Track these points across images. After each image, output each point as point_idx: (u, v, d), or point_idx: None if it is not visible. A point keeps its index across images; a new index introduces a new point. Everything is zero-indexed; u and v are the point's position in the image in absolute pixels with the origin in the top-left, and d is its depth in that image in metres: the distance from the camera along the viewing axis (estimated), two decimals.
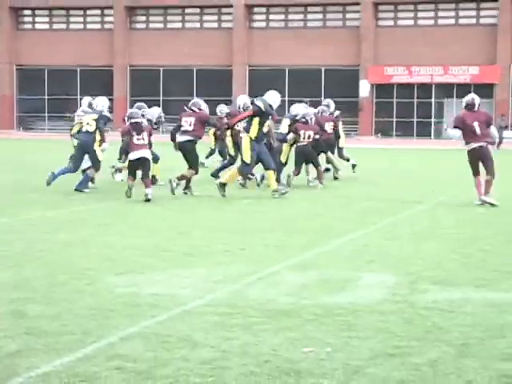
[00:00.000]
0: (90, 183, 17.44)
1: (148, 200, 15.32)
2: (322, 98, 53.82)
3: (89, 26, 60.15)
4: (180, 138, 16.99)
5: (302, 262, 9.19)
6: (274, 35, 56.01)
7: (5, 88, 60.19)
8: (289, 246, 10.33)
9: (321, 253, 9.85)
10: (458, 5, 53.51)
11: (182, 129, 17.06)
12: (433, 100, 53.29)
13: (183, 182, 16.67)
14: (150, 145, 16.60)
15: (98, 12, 59.99)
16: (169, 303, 7.15)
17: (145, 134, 16.25)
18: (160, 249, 10.01)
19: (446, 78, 52.25)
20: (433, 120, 53.85)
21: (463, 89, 52.63)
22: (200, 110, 17.44)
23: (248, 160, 16.40)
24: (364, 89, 53.60)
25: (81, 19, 60.22)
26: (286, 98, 55.78)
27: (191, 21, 58.41)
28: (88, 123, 17.41)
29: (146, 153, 16.18)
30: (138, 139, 16.17)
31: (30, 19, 61.47)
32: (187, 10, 58.22)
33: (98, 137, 17.43)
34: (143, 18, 59.29)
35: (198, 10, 58.06)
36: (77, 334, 6.13)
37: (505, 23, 51.90)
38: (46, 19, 61.08)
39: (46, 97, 60.01)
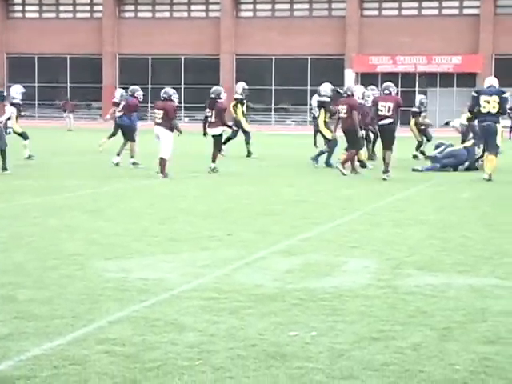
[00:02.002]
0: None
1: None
2: (308, 87, 54.08)
3: (78, 15, 59.94)
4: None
5: (287, 248, 9.20)
6: (260, 25, 55.95)
7: None
8: (275, 231, 10.33)
9: (306, 238, 9.86)
10: None
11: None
12: (416, 89, 53.36)
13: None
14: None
15: (87, 1, 59.77)
16: (157, 288, 7.15)
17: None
18: (148, 234, 10.00)
19: (430, 67, 52.35)
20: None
21: (446, 78, 52.85)
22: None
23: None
24: (349, 78, 53.59)
25: (70, 8, 59.99)
26: (273, 87, 55.86)
27: (179, 10, 58.26)
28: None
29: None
30: (209, 116, 18.71)
31: (20, 8, 61.19)
32: (175, 0, 58.06)
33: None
34: (132, 7, 59.10)
35: (185, 0, 57.90)
36: (67, 318, 6.12)
37: (487, 13, 52.00)
38: (36, 8, 60.82)
39: (36, 84, 59.79)
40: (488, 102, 17.36)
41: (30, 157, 21.71)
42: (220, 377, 4.93)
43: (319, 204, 13.23)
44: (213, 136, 18.75)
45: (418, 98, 24.61)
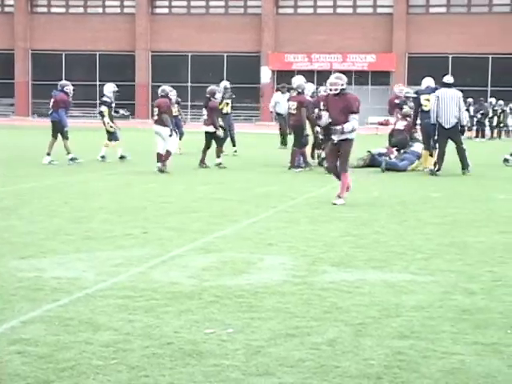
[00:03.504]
0: None
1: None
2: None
3: None
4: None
5: (203, 245, 9.19)
6: (176, 21, 55.76)
7: None
8: (191, 229, 10.32)
9: (222, 236, 9.87)
10: None
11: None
12: None
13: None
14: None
15: None
16: (71, 287, 7.07)
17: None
18: (62, 232, 9.87)
19: (345, 65, 52.91)
20: None
21: (361, 76, 53.50)
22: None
23: None
24: (265, 75, 53.84)
25: None
26: (189, 84, 55.70)
27: (94, 6, 57.65)
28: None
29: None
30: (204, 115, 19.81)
31: None
32: None
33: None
34: (45, 2, 58.24)
35: None
36: None
37: (400, 13, 52.86)
38: None
39: None
40: (428, 101, 18.50)
41: (122, 157, 20.93)
42: (135, 376, 4.90)
43: (236, 201, 13.26)
44: (206, 133, 19.52)
45: None
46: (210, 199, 13.50)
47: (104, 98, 21.14)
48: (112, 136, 20.95)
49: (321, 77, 53.32)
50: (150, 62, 56.45)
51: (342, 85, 13.06)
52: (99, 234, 9.87)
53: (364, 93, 53.76)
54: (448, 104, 17.89)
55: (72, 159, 19.79)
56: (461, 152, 18.19)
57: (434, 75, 20.46)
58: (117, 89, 21.85)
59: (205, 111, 19.67)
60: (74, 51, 56.76)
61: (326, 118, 13.20)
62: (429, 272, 7.90)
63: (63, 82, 21.02)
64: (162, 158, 18.03)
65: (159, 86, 19.30)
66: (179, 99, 25.13)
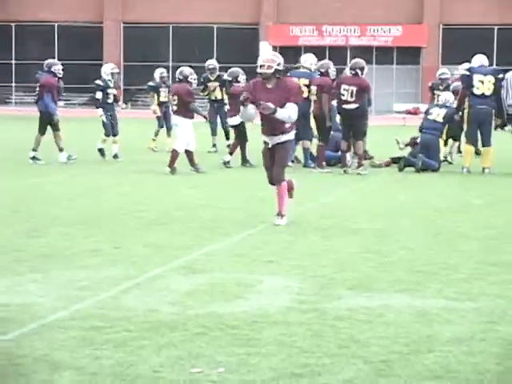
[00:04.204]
0: None
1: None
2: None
3: None
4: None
5: (188, 264, 9.20)
6: None
7: None
8: (173, 244, 10.33)
9: (211, 252, 9.88)
10: None
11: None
12: (348, 66, 53.90)
13: None
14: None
15: None
16: (23, 316, 7.07)
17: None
18: (12, 248, 9.88)
19: (364, 39, 52.94)
20: None
21: (384, 53, 53.52)
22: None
23: None
24: (265, 52, 53.84)
25: None
26: (170, 63, 55.72)
27: None
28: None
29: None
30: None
31: None
32: None
33: None
34: None
35: None
36: None
37: None
38: None
39: None
40: (482, 83, 18.52)
41: (101, 150, 21.15)
42: None
43: (228, 209, 13.27)
44: (231, 126, 20.16)
45: None
46: (196, 206, 13.51)
47: (96, 81, 21.13)
48: (105, 129, 21.05)
49: (334, 54, 53.51)
50: (122, 35, 56.45)
51: (279, 64, 11.74)
52: (58, 250, 9.87)
53: (388, 74, 53.87)
54: None
55: (34, 158, 19.89)
56: None
57: (475, 52, 20.45)
58: (117, 70, 21.98)
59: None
60: (26, 22, 56.78)
61: (251, 110, 11.90)
62: (468, 297, 7.91)
63: (50, 60, 20.98)
64: (191, 155, 18.29)
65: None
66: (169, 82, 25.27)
